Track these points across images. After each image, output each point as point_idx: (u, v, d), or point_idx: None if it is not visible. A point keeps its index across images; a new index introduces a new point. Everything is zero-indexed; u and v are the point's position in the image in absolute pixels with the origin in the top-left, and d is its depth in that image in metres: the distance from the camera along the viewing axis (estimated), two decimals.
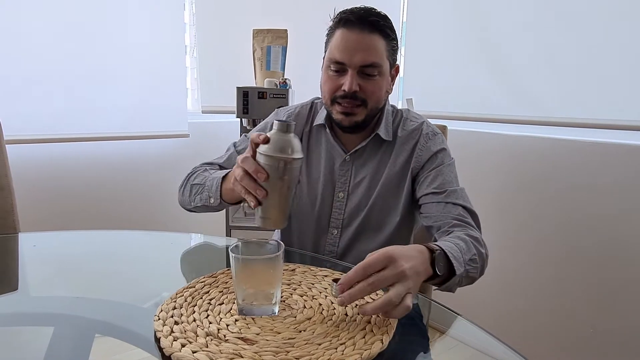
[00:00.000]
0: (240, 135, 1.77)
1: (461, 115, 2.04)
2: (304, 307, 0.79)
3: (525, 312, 1.89)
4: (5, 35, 1.89)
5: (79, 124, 2.07)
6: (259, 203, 0.78)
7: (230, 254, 0.72)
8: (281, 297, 0.81)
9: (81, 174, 2.11)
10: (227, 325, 0.72)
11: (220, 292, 0.83)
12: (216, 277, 0.89)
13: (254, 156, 0.78)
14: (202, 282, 0.87)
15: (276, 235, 1.28)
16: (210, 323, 0.73)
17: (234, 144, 1.23)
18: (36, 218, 1.93)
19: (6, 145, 1.90)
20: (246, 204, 0.81)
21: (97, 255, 1.09)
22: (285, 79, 2.10)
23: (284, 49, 2.22)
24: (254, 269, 0.73)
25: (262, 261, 0.73)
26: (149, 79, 2.25)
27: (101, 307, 0.82)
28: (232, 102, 2.04)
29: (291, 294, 0.83)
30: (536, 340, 1.86)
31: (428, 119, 1.19)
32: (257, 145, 0.77)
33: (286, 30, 2.22)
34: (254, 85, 2.26)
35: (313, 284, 0.88)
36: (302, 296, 0.83)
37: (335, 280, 0.73)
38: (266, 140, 0.75)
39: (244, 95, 2.04)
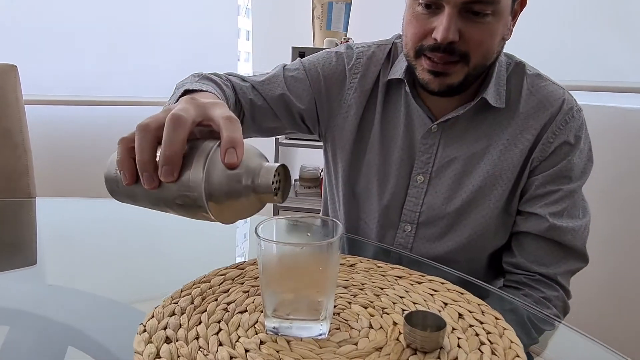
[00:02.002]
0: None
1: (576, 85, 1.57)
2: (370, 327, 0.50)
3: None
4: None
5: (116, 87, 1.88)
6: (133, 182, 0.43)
7: (257, 238, 0.45)
8: (334, 308, 0.53)
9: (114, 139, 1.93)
10: (247, 352, 0.45)
11: (245, 292, 0.56)
12: (244, 268, 0.62)
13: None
14: (221, 274, 0.61)
15: None
16: (220, 344, 0.46)
17: (284, 66, 0.88)
18: (60, 185, 1.77)
19: (41, 106, 1.76)
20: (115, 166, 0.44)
21: (103, 228, 0.86)
22: (348, 39, 1.81)
23: (348, 6, 1.92)
24: (293, 262, 0.45)
25: (306, 250, 0.45)
26: (196, 41, 2.03)
27: (80, 305, 0.58)
28: None
29: (349, 303, 0.55)
30: None
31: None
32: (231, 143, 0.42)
33: None
34: (312, 46, 1.98)
35: (382, 290, 0.59)
36: (365, 308, 0.54)
37: (409, 317, 0.46)
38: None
39: (300, 56, 1.76)
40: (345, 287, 0.59)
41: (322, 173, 2.04)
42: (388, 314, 0.53)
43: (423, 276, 0.63)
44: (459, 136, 0.80)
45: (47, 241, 0.82)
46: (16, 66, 1.21)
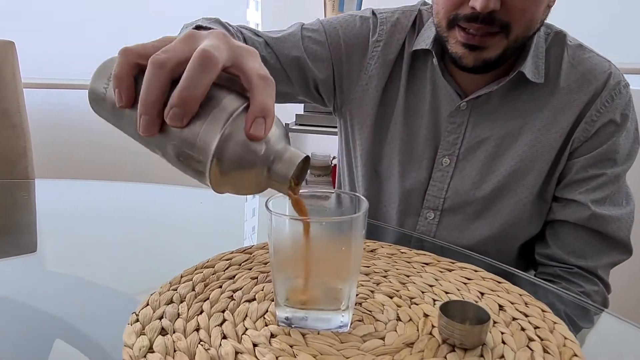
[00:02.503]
0: None
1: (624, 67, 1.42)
2: (398, 318, 0.43)
3: None
4: None
5: None
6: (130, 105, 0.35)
7: (268, 213, 0.38)
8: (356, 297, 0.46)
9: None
10: (255, 347, 0.38)
11: (253, 278, 0.50)
12: (252, 253, 0.56)
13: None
14: (227, 259, 0.54)
15: None
16: (224, 337, 0.39)
17: (302, 24, 0.79)
18: (60, 169, 1.72)
19: (43, 89, 1.70)
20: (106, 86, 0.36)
21: (106, 211, 0.80)
22: None
23: None
24: (309, 241, 0.38)
25: (326, 227, 0.38)
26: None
27: (76, 294, 0.52)
28: None
29: (372, 292, 0.48)
30: None
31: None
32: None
33: None
34: None
35: (408, 277, 0.52)
36: (391, 297, 0.47)
37: (445, 308, 0.39)
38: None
39: None
40: (366, 275, 0.52)
41: (333, 161, 1.96)
42: (417, 304, 0.46)
43: (453, 263, 0.56)
44: (491, 114, 0.71)
45: (47, 226, 0.76)
46: (13, 43, 1.15)
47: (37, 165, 1.18)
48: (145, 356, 0.36)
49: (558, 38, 0.72)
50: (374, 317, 0.43)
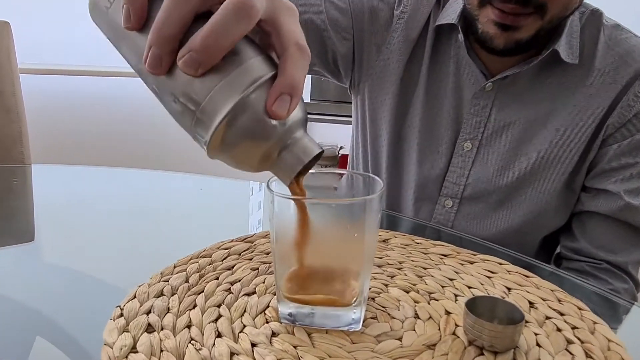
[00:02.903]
0: None
1: None
2: (416, 316, 0.38)
3: None
4: None
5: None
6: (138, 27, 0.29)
7: (270, 194, 0.33)
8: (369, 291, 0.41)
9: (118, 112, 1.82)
10: (254, 347, 0.33)
11: (254, 269, 0.45)
12: (253, 242, 0.51)
13: None
14: (225, 247, 0.49)
15: None
16: (219, 336, 0.34)
17: None
18: (58, 158, 1.68)
19: (41, 75, 1.66)
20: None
21: (107, 199, 0.75)
22: None
23: None
24: (317, 226, 0.33)
25: (337, 210, 0.33)
26: None
27: (68, 288, 0.48)
28: None
29: (386, 286, 0.43)
30: None
31: None
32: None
33: None
34: None
35: (425, 270, 0.47)
36: (407, 292, 0.42)
37: (471, 305, 0.34)
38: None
39: None
40: (379, 267, 0.47)
41: (340, 151, 1.91)
42: (437, 300, 0.41)
43: (474, 254, 0.51)
44: (518, 97, 0.66)
45: (45, 213, 0.72)
46: (9, 23, 1.10)
47: (34, 151, 1.14)
48: (127, 357, 0.31)
49: (594, 17, 0.66)
50: (389, 314, 0.38)
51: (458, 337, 0.35)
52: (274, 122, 0.29)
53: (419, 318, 0.38)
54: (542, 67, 0.64)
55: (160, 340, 0.33)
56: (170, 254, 0.47)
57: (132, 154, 1.83)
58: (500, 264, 0.49)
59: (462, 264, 0.48)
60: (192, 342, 0.33)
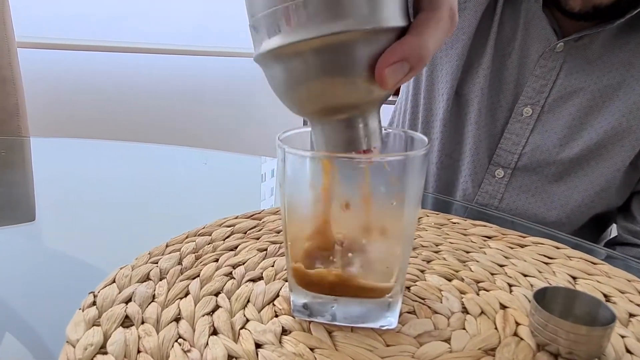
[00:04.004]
0: None
1: None
2: (464, 310, 0.30)
3: None
4: None
5: (129, 32, 1.69)
6: None
7: (281, 152, 0.25)
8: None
9: (132, 88, 1.74)
10: (258, 348, 0.26)
11: (262, 250, 0.37)
12: (261, 218, 0.43)
13: None
14: (228, 224, 0.42)
15: None
16: (214, 333, 0.27)
17: None
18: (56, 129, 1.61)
19: (43, 50, 1.59)
20: None
21: (111, 174, 0.67)
22: None
23: None
24: (343, 192, 0.25)
25: (369, 170, 0.25)
26: None
27: (33, 271, 0.40)
28: None
29: (422, 272, 0.35)
30: None
31: None
32: None
33: None
34: None
35: (468, 254, 0.39)
36: (449, 280, 0.34)
37: (540, 297, 0.26)
38: None
39: None
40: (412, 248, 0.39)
41: None
42: (487, 290, 0.33)
43: (523, 236, 0.43)
44: (590, 62, 0.57)
45: (46, 190, 0.65)
46: None
47: (33, 125, 1.07)
48: (93, 358, 0.24)
49: None
50: (429, 307, 0.30)
51: (522, 339, 0.27)
52: (366, 82, 0.22)
53: (468, 313, 0.30)
54: (621, 30, 0.56)
55: (139, 337, 0.26)
56: (169, 234, 0.40)
57: (135, 128, 1.76)
58: (557, 247, 0.41)
59: (512, 247, 0.40)
60: (179, 340, 0.26)
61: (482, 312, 0.30)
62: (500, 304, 0.31)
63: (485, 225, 0.45)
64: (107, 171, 0.68)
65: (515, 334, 0.28)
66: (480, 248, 0.40)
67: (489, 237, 0.42)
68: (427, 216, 0.47)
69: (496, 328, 0.28)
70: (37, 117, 1.16)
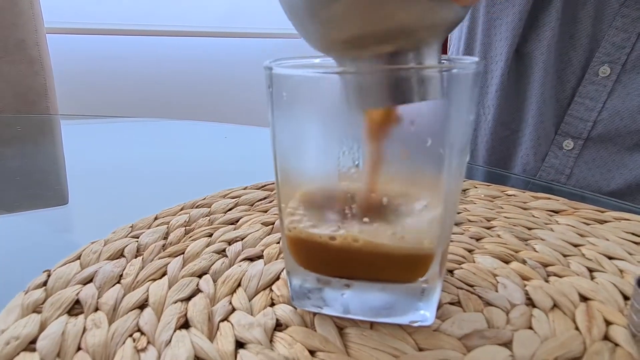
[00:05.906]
0: None
1: None
2: (529, 302, 0.22)
3: None
4: None
5: (161, 16, 1.67)
6: None
7: (267, 76, 0.18)
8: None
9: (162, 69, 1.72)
10: (239, 349, 0.19)
11: (267, 224, 0.30)
12: (273, 189, 0.36)
13: None
14: (233, 196, 0.35)
15: None
16: (184, 326, 0.20)
17: None
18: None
19: (71, 34, 1.58)
20: None
21: (114, 149, 0.62)
22: None
23: None
24: (361, 124, 0.18)
25: (386, 87, 0.17)
26: None
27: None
28: None
29: (470, 252, 0.27)
30: None
31: None
32: None
33: None
34: None
35: (530, 230, 0.30)
36: (507, 262, 0.26)
37: None
38: None
39: None
40: (456, 224, 0.31)
41: None
42: (560, 276, 0.24)
43: (602, 211, 0.34)
44: None
45: (77, 171, 0.60)
46: None
47: (62, 106, 1.05)
48: (15, 357, 0.18)
49: None
50: (480, 297, 0.22)
51: (617, 344, 0.19)
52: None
53: (535, 306, 0.22)
54: None
55: (84, 329, 0.19)
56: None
57: (161, 107, 1.75)
58: None
59: (587, 224, 0.31)
60: (133, 335, 0.19)
61: (555, 306, 0.22)
62: (580, 294, 0.23)
63: (550, 198, 0.36)
64: (134, 148, 0.64)
65: (606, 338, 0.20)
66: (546, 224, 0.31)
67: (556, 212, 0.34)
68: (476, 187, 0.39)
69: (577, 328, 0.20)
70: (66, 99, 1.14)
